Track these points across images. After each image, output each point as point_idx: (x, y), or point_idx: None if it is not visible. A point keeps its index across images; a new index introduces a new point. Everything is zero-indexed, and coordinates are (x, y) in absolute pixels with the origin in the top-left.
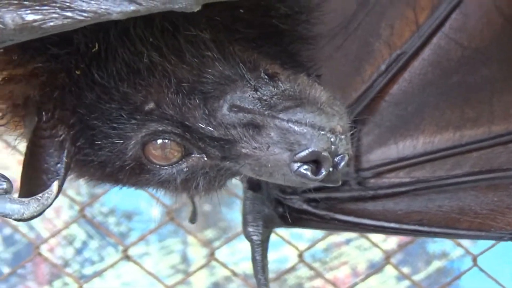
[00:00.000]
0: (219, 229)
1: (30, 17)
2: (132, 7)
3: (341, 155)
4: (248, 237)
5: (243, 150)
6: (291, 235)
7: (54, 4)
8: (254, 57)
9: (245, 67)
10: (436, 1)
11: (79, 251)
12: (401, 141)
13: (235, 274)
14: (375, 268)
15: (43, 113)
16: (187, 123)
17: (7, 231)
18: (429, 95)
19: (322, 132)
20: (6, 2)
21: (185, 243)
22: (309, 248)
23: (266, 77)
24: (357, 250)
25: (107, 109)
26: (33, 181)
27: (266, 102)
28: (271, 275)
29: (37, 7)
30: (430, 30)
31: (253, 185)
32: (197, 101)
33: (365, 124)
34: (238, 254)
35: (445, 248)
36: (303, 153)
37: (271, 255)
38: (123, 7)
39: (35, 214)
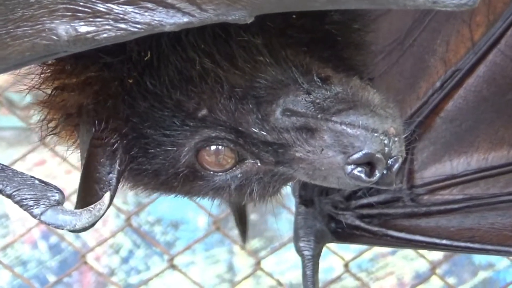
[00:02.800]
0: (265, 239)
1: (83, 29)
2: (186, 19)
3: (395, 157)
4: (300, 252)
5: (297, 154)
6: (337, 245)
7: (107, 16)
8: (306, 61)
9: (297, 71)
10: (491, 18)
11: (125, 260)
12: (455, 158)
13: (280, 284)
14: (421, 279)
15: (97, 122)
16: (240, 128)
17: (54, 239)
18: (484, 112)
19: (376, 134)
20: (60, 14)
21: (231, 252)
22: (355, 258)
23: (319, 80)
24: (403, 260)
25: (160, 116)
26: (87, 191)
27: (319, 105)
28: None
29: (91, 19)
30: (485, 47)
31: (306, 200)
32: (250, 106)
33: (419, 141)
34: (284, 264)
35: (491, 259)
36: (357, 155)
37: None
38: (176, 19)
39: (87, 225)
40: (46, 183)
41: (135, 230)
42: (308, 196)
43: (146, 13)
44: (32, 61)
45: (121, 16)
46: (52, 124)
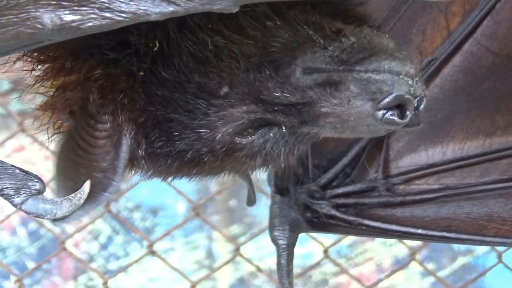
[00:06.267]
0: (244, 225)
1: (68, 17)
2: (171, 8)
3: (420, 96)
4: (274, 241)
5: (323, 109)
6: None
7: (92, 5)
8: (316, 18)
9: (309, 28)
10: (467, 7)
11: (104, 246)
12: (431, 148)
13: (260, 269)
14: (400, 264)
15: (105, 116)
16: (262, 97)
17: (33, 226)
18: (460, 101)
19: (401, 76)
20: (45, 2)
21: (210, 238)
22: (334, 244)
23: (333, 34)
24: (382, 246)
25: (183, 101)
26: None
27: (339, 58)
28: (296, 270)
29: (76, 8)
30: (461, 37)
31: (281, 189)
32: (268, 72)
33: (395, 130)
34: (263, 249)
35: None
36: (387, 99)
37: (297, 251)
38: (162, 8)
39: (67, 214)
40: (26, 172)
41: (114, 216)
42: (284, 185)
43: (131, 2)
44: (16, 50)
45: (106, 5)
46: (57, 125)
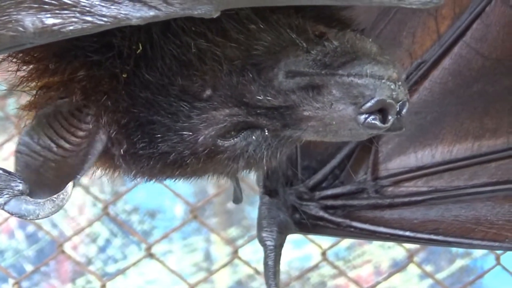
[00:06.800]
0: (242, 227)
1: (50, 20)
2: (152, 13)
3: (402, 101)
4: (262, 242)
5: (305, 113)
6: None
7: (74, 9)
8: (299, 21)
9: (292, 32)
10: (457, 10)
11: (102, 249)
12: (420, 150)
13: (258, 272)
14: (398, 267)
15: (88, 117)
16: (245, 100)
17: (31, 229)
18: (449, 104)
19: (383, 81)
20: (26, 5)
21: (208, 241)
22: (332, 246)
23: (316, 38)
24: (380, 248)
25: (166, 103)
26: (62, 181)
27: (321, 62)
28: (294, 273)
29: (57, 11)
30: (451, 40)
31: (270, 191)
32: (251, 75)
33: (379, 134)
34: (261, 252)
35: None
36: (369, 104)
37: (295, 253)
38: (143, 12)
39: (49, 215)
40: (10, 173)
41: (112, 219)
42: (273, 187)
43: (112, 7)
44: None
45: (88, 9)
46: None
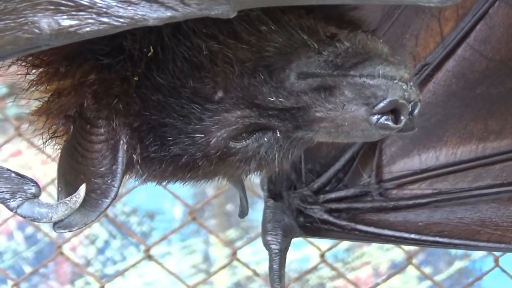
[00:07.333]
0: (241, 229)
1: (66, 22)
2: (169, 13)
3: (414, 101)
4: (267, 245)
5: (317, 114)
6: None
7: (90, 10)
8: (310, 22)
9: (304, 33)
10: (461, 12)
11: (101, 251)
12: (424, 153)
13: (256, 274)
14: (397, 269)
15: (100, 120)
16: (256, 101)
17: (29, 230)
18: (453, 106)
19: (395, 81)
20: (42, 7)
21: (207, 243)
22: (331, 248)
23: (327, 39)
24: (379, 250)
25: (178, 106)
26: (87, 186)
27: (333, 63)
28: (293, 275)
29: (74, 13)
30: (454, 42)
31: (274, 194)
32: (263, 77)
33: (389, 135)
34: (260, 254)
35: None
36: (382, 104)
37: (293, 255)
38: (160, 13)
39: (63, 217)
40: (22, 176)
41: (111, 220)
42: (277, 190)
43: (129, 7)
44: (14, 54)
45: (104, 10)
46: (52, 130)
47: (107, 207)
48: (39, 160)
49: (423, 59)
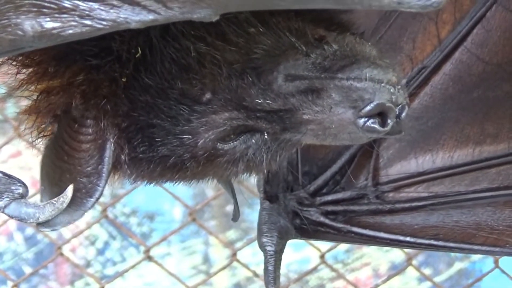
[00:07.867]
0: (241, 230)
1: (49, 24)
2: (151, 17)
3: (401, 105)
4: (262, 247)
5: (305, 117)
6: None
7: (73, 12)
8: (298, 24)
9: (292, 35)
10: (458, 15)
11: (101, 252)
12: (421, 156)
13: (256, 275)
14: (396, 270)
15: (88, 120)
16: (244, 103)
17: (29, 231)
18: (450, 110)
19: (382, 84)
20: (26, 9)
21: (207, 244)
22: (331, 249)
23: (315, 41)
24: (378, 251)
25: (166, 107)
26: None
27: (321, 65)
28: (293, 276)
29: (56, 15)
30: (452, 45)
31: (270, 196)
32: (250, 78)
33: (385, 138)
34: (260, 255)
35: None
36: (369, 107)
37: (293, 256)
38: (142, 16)
39: (50, 218)
40: (10, 176)
41: (110, 221)
42: (273, 192)
43: (111, 10)
44: None
45: (87, 12)
46: (41, 129)
47: (91, 206)
48: (39, 161)
49: (420, 62)
